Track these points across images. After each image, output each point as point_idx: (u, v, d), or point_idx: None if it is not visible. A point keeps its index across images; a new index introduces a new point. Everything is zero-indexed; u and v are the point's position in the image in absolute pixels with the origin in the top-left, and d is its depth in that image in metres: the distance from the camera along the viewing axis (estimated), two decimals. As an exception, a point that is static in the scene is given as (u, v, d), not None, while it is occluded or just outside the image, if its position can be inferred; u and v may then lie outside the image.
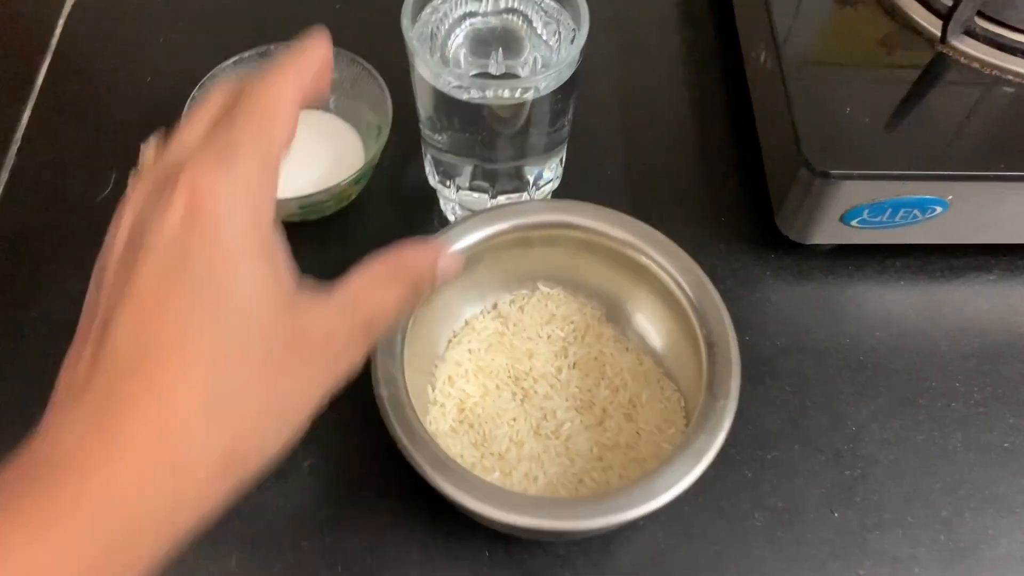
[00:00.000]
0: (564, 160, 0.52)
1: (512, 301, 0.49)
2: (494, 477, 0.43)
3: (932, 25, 0.49)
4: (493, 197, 0.50)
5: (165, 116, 0.56)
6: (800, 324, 0.50)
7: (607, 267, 0.47)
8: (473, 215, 0.45)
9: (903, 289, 0.52)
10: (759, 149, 0.54)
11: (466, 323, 0.48)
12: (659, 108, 0.60)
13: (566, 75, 0.44)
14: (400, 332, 0.42)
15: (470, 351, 0.47)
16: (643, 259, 0.45)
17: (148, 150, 0.32)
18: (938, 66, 0.48)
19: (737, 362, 0.41)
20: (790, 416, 0.48)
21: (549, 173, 0.51)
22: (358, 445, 0.46)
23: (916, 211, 0.47)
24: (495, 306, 0.49)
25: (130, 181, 0.30)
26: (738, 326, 0.48)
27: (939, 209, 0.47)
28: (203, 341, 0.26)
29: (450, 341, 0.48)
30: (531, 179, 0.50)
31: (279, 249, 0.29)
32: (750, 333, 0.50)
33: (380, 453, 0.44)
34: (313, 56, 0.31)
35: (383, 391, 0.39)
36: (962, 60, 0.48)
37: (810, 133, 0.45)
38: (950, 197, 0.46)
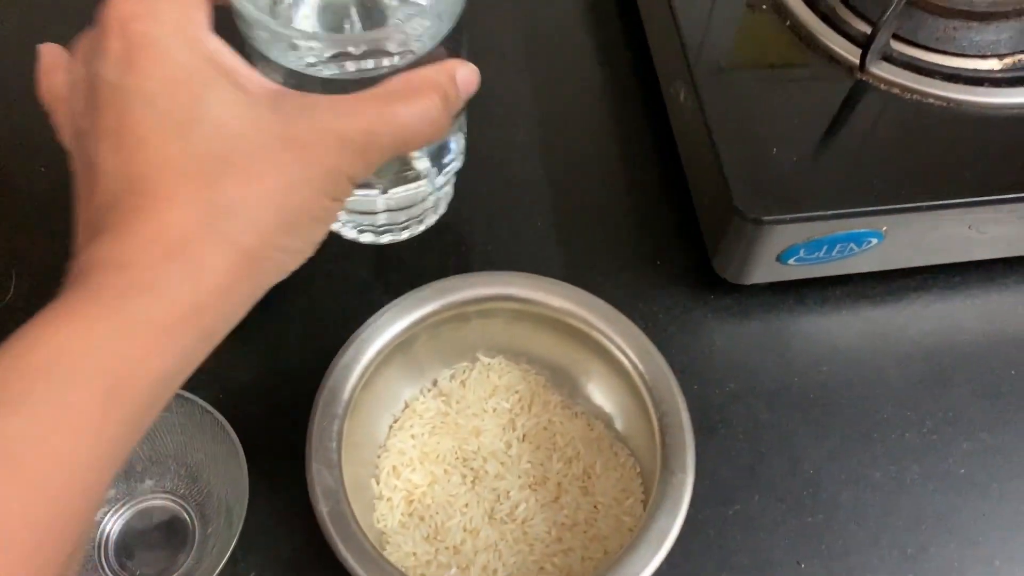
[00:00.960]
0: (467, 135, 0.45)
1: (452, 376, 0.47)
2: (451, 574, 0.41)
3: (850, 53, 0.48)
4: (384, 192, 0.44)
5: (64, 207, 0.53)
6: (747, 367, 0.49)
7: (547, 334, 0.45)
8: (403, 298, 0.43)
9: (846, 318, 0.51)
10: (687, 188, 0.53)
11: (407, 405, 0.46)
12: (583, 150, 0.58)
13: (446, 28, 0.37)
14: (336, 432, 0.39)
15: (413, 436, 0.45)
16: (583, 326, 0.43)
17: None
18: (859, 94, 0.48)
19: (690, 431, 0.40)
20: (747, 465, 0.47)
21: (450, 152, 0.44)
22: (304, 551, 0.44)
23: (852, 244, 0.46)
24: (435, 383, 0.47)
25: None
26: (686, 375, 0.48)
27: (875, 241, 0.46)
28: (182, 160, 0.27)
29: (391, 427, 0.46)
30: (426, 164, 0.43)
31: (231, 56, 0.28)
32: (698, 382, 0.48)
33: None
34: None
35: (323, 507, 0.37)
36: (882, 87, 0.48)
37: (739, 179, 0.44)
38: (884, 228, 0.46)
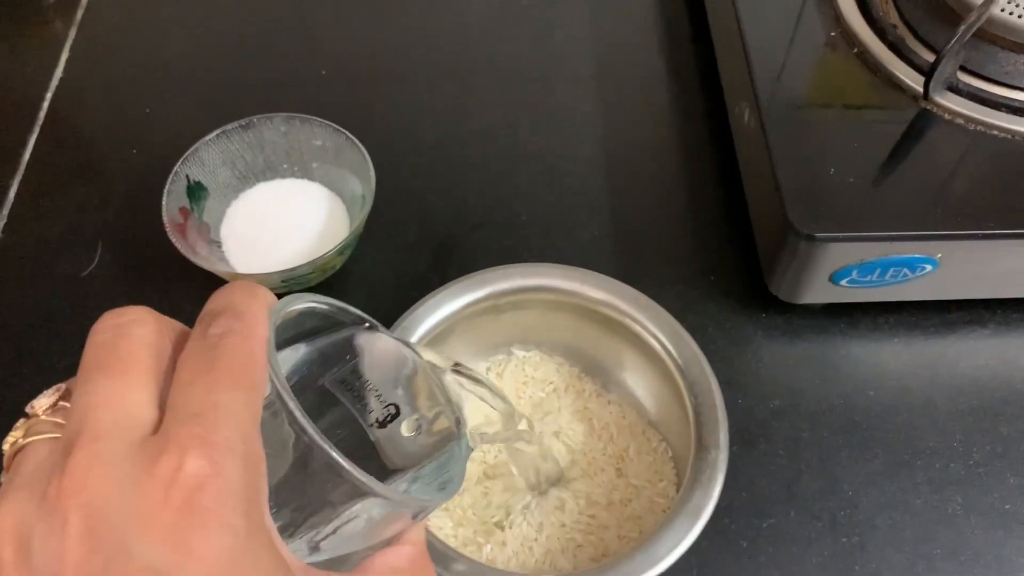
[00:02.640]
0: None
1: (488, 368, 0.48)
2: (487, 551, 0.42)
3: (915, 81, 0.49)
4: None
5: (149, 188, 0.57)
6: (793, 385, 0.50)
7: (580, 325, 0.47)
8: (437, 291, 0.45)
9: (897, 346, 0.51)
10: (746, 207, 0.54)
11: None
12: (645, 166, 0.59)
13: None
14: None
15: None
16: (615, 314, 0.44)
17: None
18: (922, 122, 0.48)
19: (723, 410, 0.41)
20: (785, 481, 0.47)
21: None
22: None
23: (905, 270, 0.47)
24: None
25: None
26: (730, 388, 0.48)
27: (929, 267, 0.46)
28: None
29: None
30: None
31: (276, 534, 0.24)
32: (743, 396, 0.49)
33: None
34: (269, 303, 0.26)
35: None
36: (946, 116, 0.48)
37: (795, 195, 0.45)
38: (939, 255, 0.46)
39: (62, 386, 0.25)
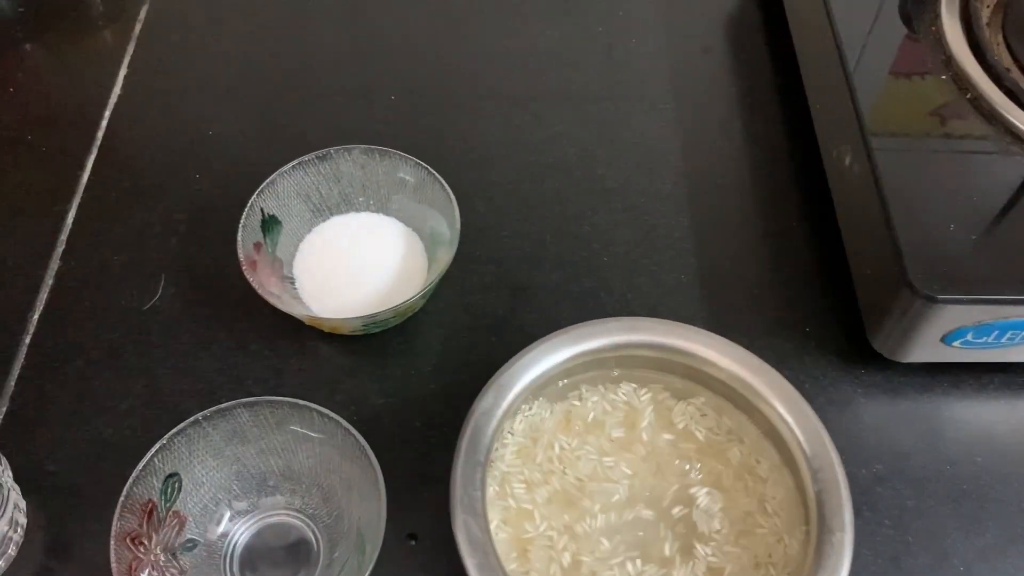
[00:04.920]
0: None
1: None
2: None
3: (1036, 133, 0.46)
4: None
5: (214, 216, 0.54)
6: (897, 449, 0.47)
7: (687, 386, 0.44)
8: (542, 340, 0.42)
9: (1003, 408, 0.49)
10: (842, 254, 0.51)
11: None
12: (728, 205, 0.57)
13: None
14: (479, 480, 0.38)
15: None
16: (729, 379, 0.42)
17: None
18: (1044, 176, 0.45)
19: (846, 489, 0.38)
20: (892, 554, 0.44)
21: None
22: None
23: (1024, 333, 0.44)
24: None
25: None
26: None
27: (1050, 331, 0.44)
28: None
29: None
30: None
31: None
32: (844, 459, 0.46)
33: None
34: None
35: (470, 560, 0.36)
36: (1070, 170, 0.45)
37: (914, 253, 0.42)
38: (1063, 319, 0.43)
39: None
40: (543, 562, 0.40)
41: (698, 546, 0.40)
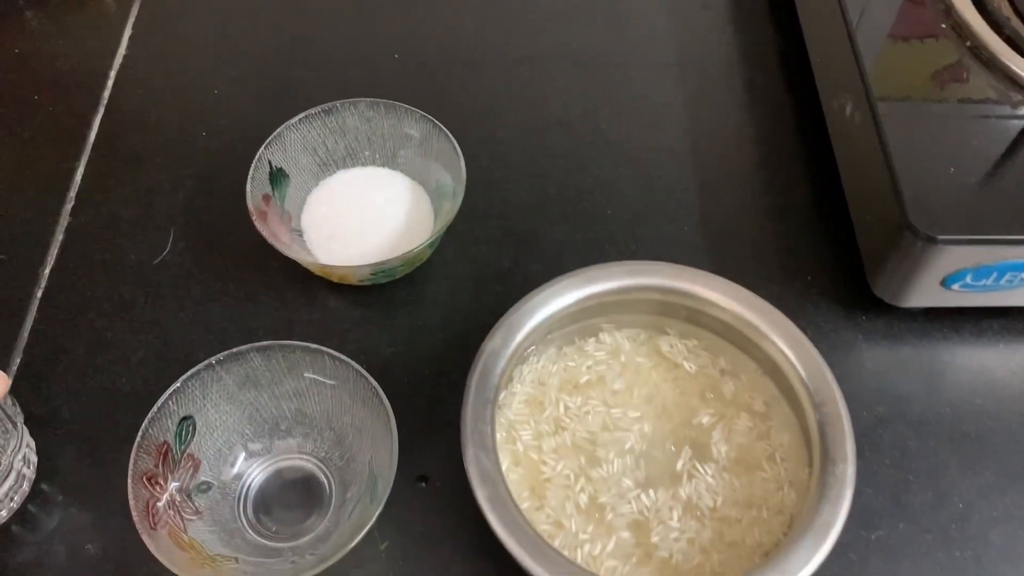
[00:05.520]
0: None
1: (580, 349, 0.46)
2: (583, 541, 0.40)
3: (1035, 78, 0.46)
4: None
5: (221, 172, 0.55)
6: (898, 392, 0.48)
7: (687, 328, 0.45)
8: (549, 284, 0.43)
9: (1003, 352, 0.49)
10: (842, 203, 0.52)
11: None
12: (730, 158, 0.57)
13: None
14: (490, 416, 0.39)
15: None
16: (731, 320, 0.43)
17: None
18: (1043, 121, 0.46)
19: (849, 421, 0.39)
20: (893, 492, 0.45)
21: None
22: (437, 528, 0.44)
23: (1023, 275, 0.45)
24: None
25: None
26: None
27: (1048, 272, 0.44)
28: None
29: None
30: None
31: None
32: (847, 402, 0.47)
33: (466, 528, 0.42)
34: None
35: (481, 492, 0.36)
36: (1068, 114, 0.46)
37: (914, 195, 0.43)
38: (1061, 260, 0.44)
39: None
40: (559, 500, 0.41)
41: (699, 465, 0.42)
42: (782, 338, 0.41)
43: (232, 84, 0.60)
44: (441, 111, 0.52)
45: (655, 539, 0.40)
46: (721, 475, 0.42)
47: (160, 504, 0.40)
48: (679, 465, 0.42)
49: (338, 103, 0.50)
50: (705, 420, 0.43)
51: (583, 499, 0.41)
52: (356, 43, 0.62)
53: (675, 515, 0.41)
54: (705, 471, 0.42)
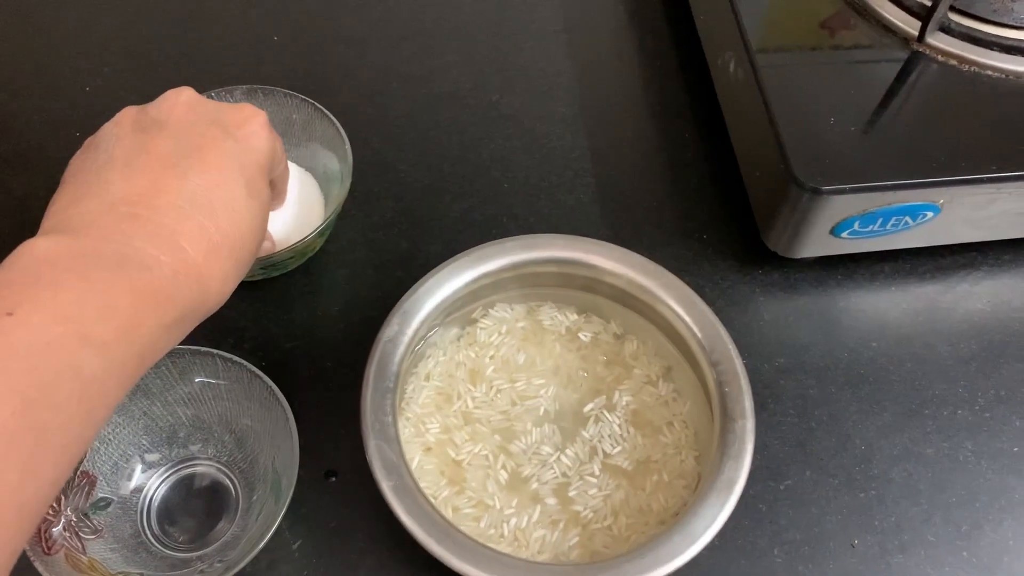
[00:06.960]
0: None
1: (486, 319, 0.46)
2: (508, 516, 0.40)
3: (907, 24, 0.47)
4: None
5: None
6: (796, 342, 0.49)
7: (590, 295, 0.45)
8: (440, 267, 0.42)
9: (895, 294, 0.51)
10: (733, 161, 0.52)
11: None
12: (623, 124, 0.57)
13: None
14: (390, 406, 0.38)
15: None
16: (626, 285, 0.43)
17: None
18: (916, 65, 0.47)
19: (745, 378, 0.40)
20: (798, 441, 0.46)
21: None
22: (348, 521, 0.43)
23: (907, 218, 0.46)
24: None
25: None
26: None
27: (931, 214, 0.45)
28: (225, 162, 0.35)
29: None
30: None
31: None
32: (747, 356, 0.47)
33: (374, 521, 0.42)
34: None
35: (385, 483, 0.36)
36: (939, 58, 0.47)
37: (797, 149, 0.44)
38: (941, 201, 0.45)
39: None
40: (479, 481, 0.41)
41: (607, 414, 0.42)
42: (676, 300, 0.41)
43: (106, 80, 0.57)
44: (326, 94, 0.50)
45: (572, 493, 0.40)
46: (627, 428, 0.42)
47: (55, 529, 0.38)
48: (587, 409, 0.42)
49: (212, 92, 0.48)
50: (609, 380, 0.44)
51: (503, 476, 0.41)
52: (232, 27, 0.60)
53: (595, 468, 0.41)
54: (612, 420, 0.42)
